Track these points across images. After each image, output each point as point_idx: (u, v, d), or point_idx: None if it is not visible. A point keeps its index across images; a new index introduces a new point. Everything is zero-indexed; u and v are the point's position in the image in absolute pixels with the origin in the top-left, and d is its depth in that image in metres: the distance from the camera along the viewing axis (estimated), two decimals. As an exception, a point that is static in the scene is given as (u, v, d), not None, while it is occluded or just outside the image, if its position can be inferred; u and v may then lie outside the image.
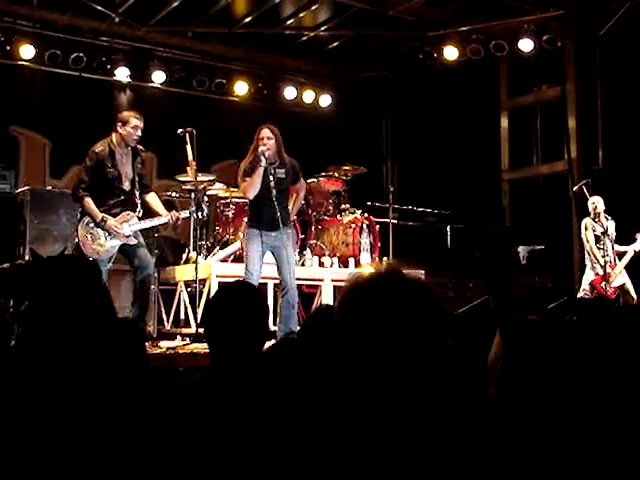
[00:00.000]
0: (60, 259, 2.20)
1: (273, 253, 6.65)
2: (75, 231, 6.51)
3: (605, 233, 8.72)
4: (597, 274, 8.70)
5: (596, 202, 8.76)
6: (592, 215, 8.78)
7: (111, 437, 1.85)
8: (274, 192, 6.43)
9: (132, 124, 6.54)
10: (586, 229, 8.78)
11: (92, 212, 6.39)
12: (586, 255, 8.82)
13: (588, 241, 8.72)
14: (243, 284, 3.09)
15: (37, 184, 8.94)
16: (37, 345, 1.98)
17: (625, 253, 8.80)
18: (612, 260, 8.73)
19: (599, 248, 8.73)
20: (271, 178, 6.47)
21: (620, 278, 8.73)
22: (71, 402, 1.87)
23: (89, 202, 6.41)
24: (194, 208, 6.89)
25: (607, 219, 8.78)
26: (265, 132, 6.54)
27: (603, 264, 8.61)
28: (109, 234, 6.40)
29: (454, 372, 1.68)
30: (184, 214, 6.89)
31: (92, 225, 6.40)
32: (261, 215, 6.54)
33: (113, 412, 1.90)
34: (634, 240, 8.79)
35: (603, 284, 8.62)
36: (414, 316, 1.46)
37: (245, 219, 7.17)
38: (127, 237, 6.46)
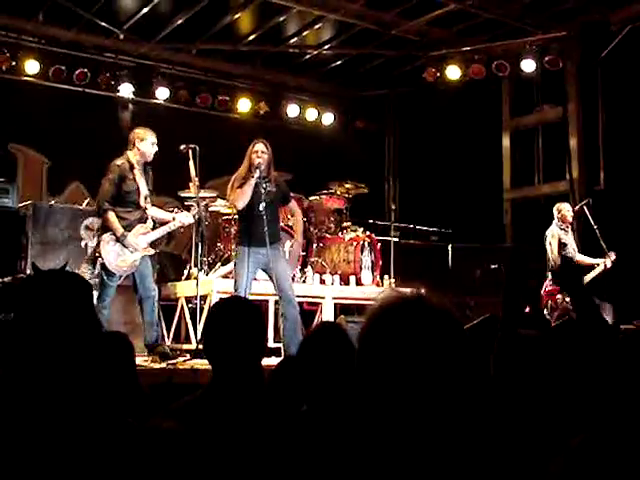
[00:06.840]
0: (49, 274, 2.18)
1: (266, 271, 6.68)
2: (97, 249, 6.59)
3: (569, 243, 8.69)
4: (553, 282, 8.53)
5: (570, 211, 8.75)
6: (561, 224, 8.70)
7: (101, 450, 1.84)
8: (263, 205, 6.49)
9: (150, 140, 6.74)
10: (553, 237, 8.67)
11: (114, 226, 6.50)
12: (549, 265, 8.65)
13: (553, 251, 8.59)
14: (238, 299, 3.12)
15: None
16: (18, 357, 1.97)
17: (594, 266, 8.63)
18: None
19: (563, 256, 8.65)
20: (262, 191, 6.55)
21: None
22: (55, 414, 1.86)
23: (112, 216, 6.51)
24: (192, 212, 7.02)
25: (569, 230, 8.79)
26: (260, 146, 6.68)
27: None
28: (129, 248, 6.50)
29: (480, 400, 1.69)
30: (186, 218, 6.99)
31: (113, 243, 6.48)
32: (250, 231, 6.57)
33: (99, 425, 1.89)
34: (608, 256, 8.59)
35: (559, 295, 8.41)
36: (438, 343, 1.48)
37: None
38: (145, 249, 6.62)
